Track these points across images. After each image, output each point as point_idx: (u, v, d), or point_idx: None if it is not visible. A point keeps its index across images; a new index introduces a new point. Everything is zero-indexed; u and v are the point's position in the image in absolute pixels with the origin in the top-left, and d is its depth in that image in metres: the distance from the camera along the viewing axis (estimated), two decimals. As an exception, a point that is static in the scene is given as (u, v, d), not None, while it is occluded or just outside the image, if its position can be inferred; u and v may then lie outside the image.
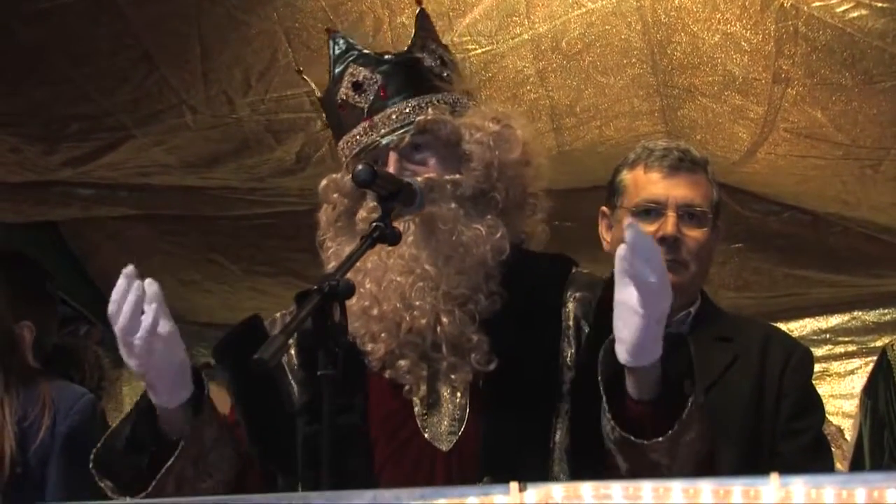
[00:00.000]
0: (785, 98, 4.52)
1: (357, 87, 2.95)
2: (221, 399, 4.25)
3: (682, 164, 3.65)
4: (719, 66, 4.48)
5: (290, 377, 2.93)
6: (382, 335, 2.81)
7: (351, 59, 2.98)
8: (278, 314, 3.01)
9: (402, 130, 2.89)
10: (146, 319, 2.60)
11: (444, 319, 2.79)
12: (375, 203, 2.80)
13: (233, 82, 4.66)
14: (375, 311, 2.82)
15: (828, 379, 6.03)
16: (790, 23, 4.26)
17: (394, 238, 2.68)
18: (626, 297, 2.49)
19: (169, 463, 2.69)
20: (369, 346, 2.83)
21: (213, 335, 5.58)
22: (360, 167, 2.65)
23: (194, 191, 5.33)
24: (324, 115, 3.11)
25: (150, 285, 2.63)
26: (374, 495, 1.92)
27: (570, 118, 4.77)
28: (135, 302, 2.61)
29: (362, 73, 2.95)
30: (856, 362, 6.05)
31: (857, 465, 4.03)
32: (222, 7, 4.42)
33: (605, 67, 4.57)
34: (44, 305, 4.22)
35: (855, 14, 4.18)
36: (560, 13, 4.43)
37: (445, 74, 3.00)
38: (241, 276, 6.03)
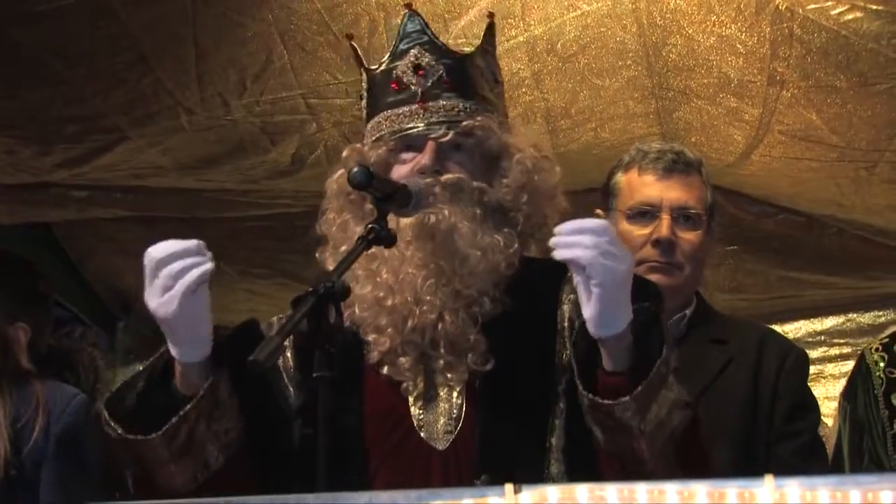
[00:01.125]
0: (780, 100, 4.52)
1: (418, 69, 2.94)
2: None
3: (676, 166, 3.66)
4: (714, 69, 4.49)
5: (286, 379, 2.93)
6: (389, 330, 2.82)
7: (420, 42, 2.98)
8: (275, 318, 2.99)
9: (448, 125, 2.90)
10: (197, 271, 2.56)
11: (448, 318, 2.79)
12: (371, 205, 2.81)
13: (228, 84, 4.66)
14: (389, 302, 2.82)
15: (822, 381, 6.04)
16: (785, 25, 4.27)
17: (389, 240, 2.68)
18: (577, 274, 2.57)
19: (185, 410, 2.64)
20: (372, 337, 2.84)
21: (209, 337, 5.57)
22: (355, 169, 2.65)
23: (189, 193, 5.33)
24: (364, 89, 3.08)
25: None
26: (370, 497, 1.92)
27: (566, 120, 4.78)
28: (193, 255, 2.57)
29: (427, 58, 2.95)
30: (850, 364, 6.02)
31: (835, 470, 4.02)
32: (217, 9, 4.42)
33: (600, 70, 4.57)
34: (38, 307, 4.21)
35: (850, 17, 4.19)
36: (555, 15, 4.43)
37: (497, 91, 3.03)
38: (237, 278, 6.03)
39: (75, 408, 3.85)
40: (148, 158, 5.03)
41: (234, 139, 4.92)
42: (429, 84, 2.93)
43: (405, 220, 2.80)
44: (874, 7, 4.15)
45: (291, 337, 2.79)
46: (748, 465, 3.48)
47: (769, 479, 1.72)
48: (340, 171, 2.99)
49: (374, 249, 2.74)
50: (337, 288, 2.43)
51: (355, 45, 3.20)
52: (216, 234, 5.76)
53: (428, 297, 2.80)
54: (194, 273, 2.56)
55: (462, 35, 4.38)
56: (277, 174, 5.12)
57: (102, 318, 6.26)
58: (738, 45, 4.38)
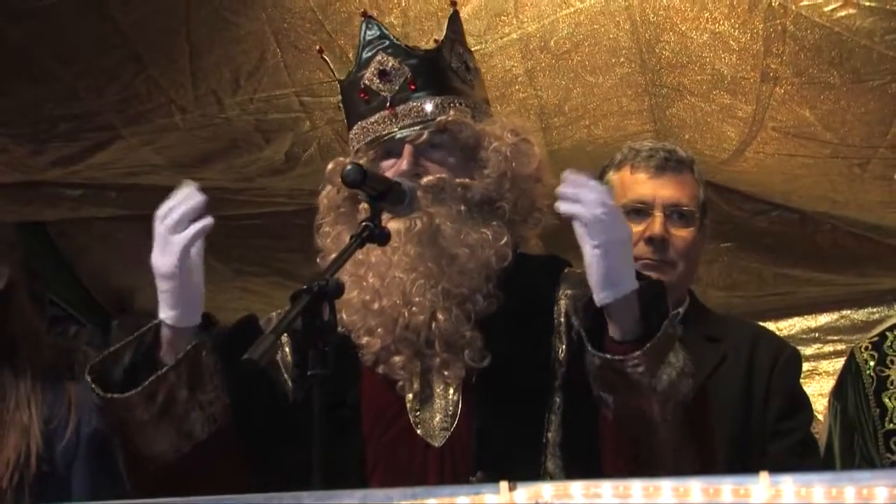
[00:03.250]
0: (773, 97, 4.52)
1: (384, 75, 2.95)
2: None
3: (669, 164, 3.66)
4: (707, 66, 4.49)
5: (286, 375, 2.93)
6: (379, 330, 2.82)
7: (381, 46, 2.98)
8: (273, 314, 2.99)
9: (421, 126, 2.90)
10: (196, 226, 2.64)
11: (440, 316, 2.79)
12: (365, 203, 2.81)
13: (222, 82, 4.65)
14: (376, 306, 2.83)
15: (817, 378, 6.04)
16: (778, 22, 4.27)
17: (383, 238, 2.68)
18: (578, 237, 2.61)
19: (162, 371, 2.67)
20: (364, 340, 2.84)
21: (202, 335, 5.56)
22: (349, 167, 2.66)
23: (183, 191, 5.32)
24: (339, 98, 3.11)
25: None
26: (364, 494, 1.92)
27: (559, 117, 4.78)
28: (191, 207, 2.65)
29: (391, 62, 2.95)
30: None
31: (826, 469, 4.02)
32: (211, 7, 4.41)
33: (593, 67, 4.57)
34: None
35: (843, 13, 4.19)
36: (548, 13, 4.43)
37: (469, 79, 3.02)
38: (231, 276, 6.02)
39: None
40: (141, 157, 5.02)
41: (227, 137, 4.91)
42: (396, 88, 2.93)
43: (390, 226, 2.80)
44: (867, 3, 4.15)
45: (292, 334, 2.80)
46: (742, 463, 3.48)
47: (764, 476, 1.72)
48: (328, 188, 3.01)
49: (360, 255, 2.75)
50: (331, 286, 2.43)
51: (326, 57, 3.25)
52: (210, 232, 5.76)
53: (417, 298, 2.81)
54: (191, 228, 2.64)
55: (456, 32, 4.38)
56: (271, 172, 5.12)
57: (97, 317, 6.25)
58: (732, 42, 4.39)
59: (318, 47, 3.48)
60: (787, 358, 3.73)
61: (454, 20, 3.07)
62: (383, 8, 4.37)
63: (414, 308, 2.80)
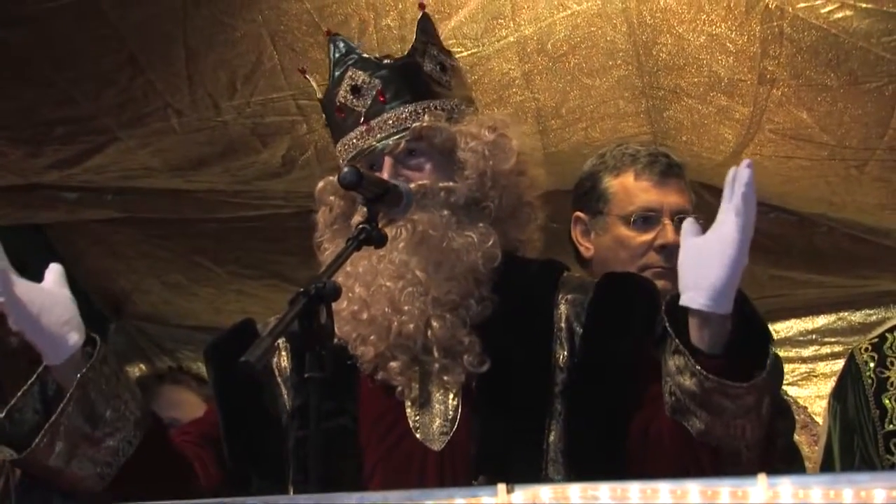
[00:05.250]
0: (770, 99, 4.52)
1: (355, 91, 2.96)
2: (194, 403, 4.23)
3: (672, 169, 3.66)
4: (705, 68, 4.49)
5: (280, 380, 2.93)
6: (372, 338, 2.82)
7: (350, 62, 3.00)
8: (272, 319, 2.98)
9: (397, 136, 2.91)
10: None
11: (435, 324, 2.80)
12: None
13: (218, 85, 4.65)
14: (364, 315, 2.83)
15: (814, 380, 6.04)
16: (775, 24, 4.27)
17: (380, 240, 2.69)
18: (725, 232, 2.49)
19: (52, 419, 2.66)
20: (360, 350, 2.84)
21: (199, 338, 5.58)
22: (346, 169, 2.67)
23: (180, 194, 5.32)
24: (323, 116, 3.12)
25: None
26: (360, 497, 1.92)
27: (556, 120, 4.77)
28: None
29: (361, 77, 2.97)
30: (842, 363, 6.04)
31: (826, 470, 4.01)
32: (207, 10, 4.41)
33: (590, 69, 4.57)
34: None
35: (840, 15, 4.19)
36: (545, 15, 4.43)
37: (445, 80, 3.02)
38: (227, 279, 6.02)
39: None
40: (138, 160, 5.02)
41: (224, 140, 4.91)
42: (369, 102, 2.95)
43: None
44: (864, 5, 4.15)
45: (289, 339, 2.80)
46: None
47: (762, 478, 1.72)
48: (322, 208, 3.02)
49: (348, 267, 2.75)
50: (327, 289, 2.43)
51: (309, 77, 3.26)
52: (206, 235, 5.76)
53: (406, 307, 2.81)
54: None
55: (452, 36, 4.38)
56: (268, 175, 5.11)
57: (94, 320, 6.22)
58: (729, 44, 4.38)
59: (301, 67, 3.49)
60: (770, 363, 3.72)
61: (424, 23, 3.07)
62: (380, 10, 4.36)
63: (404, 317, 2.80)
